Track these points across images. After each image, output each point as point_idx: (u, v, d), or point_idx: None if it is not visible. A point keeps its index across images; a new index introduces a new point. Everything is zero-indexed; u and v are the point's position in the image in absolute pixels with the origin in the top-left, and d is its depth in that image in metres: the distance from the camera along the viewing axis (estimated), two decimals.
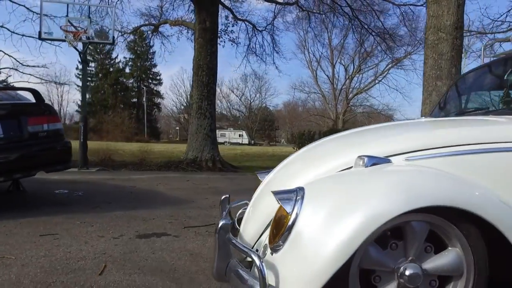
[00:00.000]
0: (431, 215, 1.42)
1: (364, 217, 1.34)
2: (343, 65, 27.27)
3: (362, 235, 1.32)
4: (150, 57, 33.07)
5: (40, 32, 7.70)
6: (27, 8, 10.59)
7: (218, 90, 30.31)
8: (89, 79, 32.72)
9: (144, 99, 30.65)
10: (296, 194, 1.52)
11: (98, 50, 31.36)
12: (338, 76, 28.72)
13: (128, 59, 32.03)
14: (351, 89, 27.77)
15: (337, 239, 1.33)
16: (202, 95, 10.35)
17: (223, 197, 2.10)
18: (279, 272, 1.43)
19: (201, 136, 10.35)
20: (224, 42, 14.00)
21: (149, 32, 15.66)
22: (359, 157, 1.64)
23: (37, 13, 7.66)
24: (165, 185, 6.54)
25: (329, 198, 1.46)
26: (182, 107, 35.31)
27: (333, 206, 1.42)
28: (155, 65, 33.39)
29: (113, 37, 8.29)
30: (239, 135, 36.20)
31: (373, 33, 13.56)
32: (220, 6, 13.14)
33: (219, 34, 11.71)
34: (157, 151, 15.59)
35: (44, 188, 5.68)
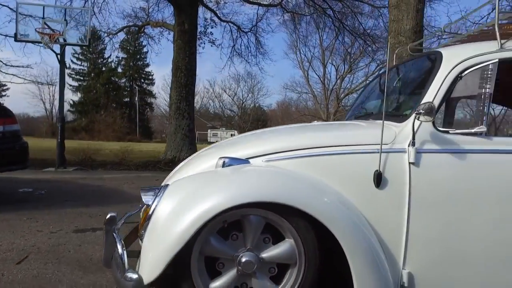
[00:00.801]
0: (265, 210, 1.65)
1: (199, 210, 1.59)
2: (334, 66, 27.47)
3: (195, 225, 1.57)
4: (142, 56, 33.43)
5: (16, 34, 7.93)
6: (10, 9, 10.76)
7: (210, 90, 30.51)
8: (81, 78, 33.01)
9: (136, 99, 30.89)
10: (159, 191, 1.77)
11: (90, 50, 31.65)
12: (330, 77, 28.96)
13: (120, 58, 32.38)
14: (342, 89, 28.03)
15: (178, 227, 1.58)
16: (181, 96, 10.58)
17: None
18: (141, 257, 1.67)
19: (179, 136, 10.58)
20: (204, 43, 14.22)
21: (134, 33, 15.90)
22: (220, 158, 1.88)
23: (24, 15, 7.83)
24: (131, 185, 6.77)
25: (180, 194, 1.71)
26: None
27: (181, 200, 1.67)
28: (147, 65, 33.70)
29: (89, 39, 8.52)
30: (231, 135, 36.64)
31: (355, 35, 13.79)
32: (203, 7, 13.39)
33: (199, 36, 11.94)
34: (140, 150, 15.77)
35: (11, 187, 5.91)
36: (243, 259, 1.66)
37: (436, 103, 1.82)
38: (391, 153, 1.78)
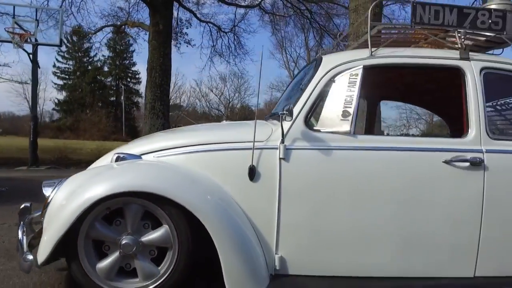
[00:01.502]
0: (142, 199, 1.86)
1: (83, 198, 1.80)
2: None
3: (78, 211, 1.79)
4: (129, 55, 33.45)
5: None
6: None
7: (197, 89, 30.53)
8: (67, 77, 32.91)
9: (122, 98, 30.94)
10: (58, 182, 1.98)
11: (76, 48, 31.56)
12: None
13: (106, 57, 32.31)
14: None
15: (64, 213, 1.81)
16: (156, 96, 10.73)
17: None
18: (40, 242, 1.88)
19: None
20: (180, 44, 14.38)
21: (120, 32, 16.00)
22: (115, 154, 2.09)
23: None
24: None
25: (72, 184, 1.93)
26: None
27: (71, 190, 1.88)
28: (134, 64, 33.73)
29: (60, 39, 8.65)
30: None
31: (332, 36, 14.06)
32: (181, 8, 13.56)
33: (174, 36, 12.11)
34: None
35: None
36: (123, 242, 1.87)
37: (309, 104, 2.06)
38: (265, 149, 2.00)
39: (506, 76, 2.22)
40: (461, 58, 2.16)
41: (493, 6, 2.50)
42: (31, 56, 8.63)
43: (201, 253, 1.93)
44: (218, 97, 32.08)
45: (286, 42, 27.78)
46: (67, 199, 1.86)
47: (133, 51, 32.98)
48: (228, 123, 2.74)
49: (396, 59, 2.16)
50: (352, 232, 2.00)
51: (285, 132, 1.99)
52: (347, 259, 2.01)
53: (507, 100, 2.46)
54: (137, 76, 34.40)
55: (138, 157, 2.10)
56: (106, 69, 33.67)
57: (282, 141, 1.98)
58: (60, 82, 33.02)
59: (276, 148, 1.99)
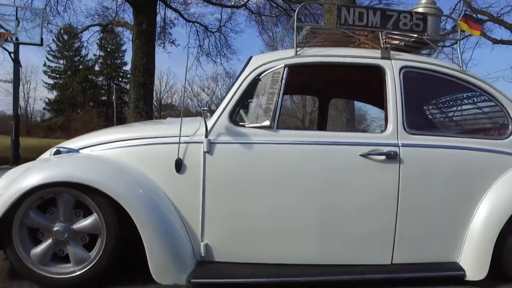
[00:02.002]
0: (72, 189, 1.99)
1: (15, 189, 1.93)
2: None
3: (10, 200, 1.92)
4: (120, 55, 33.48)
5: None
6: None
7: (189, 89, 30.57)
8: (57, 76, 32.87)
9: (114, 97, 30.91)
10: (1, 174, 2.11)
11: (67, 47, 31.53)
12: None
13: (98, 56, 32.31)
14: None
15: None
16: (139, 95, 10.82)
17: None
18: None
19: None
20: (164, 44, 14.47)
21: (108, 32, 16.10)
22: (54, 148, 2.22)
23: None
24: None
25: (10, 176, 2.05)
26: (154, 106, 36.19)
27: (8, 181, 2.01)
28: (125, 63, 33.74)
29: (41, 38, 8.74)
30: None
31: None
32: (167, 8, 13.66)
33: (158, 36, 12.21)
34: None
35: None
36: (54, 229, 2.00)
37: (234, 100, 2.20)
38: (191, 143, 2.14)
39: (425, 75, 2.37)
40: (382, 58, 2.32)
41: (420, 9, 2.67)
42: (12, 55, 8.72)
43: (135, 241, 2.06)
44: (210, 96, 32.18)
45: (277, 42, 27.94)
46: (3, 189, 1.99)
47: (124, 51, 33.02)
48: (164, 120, 2.87)
49: (319, 58, 2.31)
50: (273, 222, 2.14)
51: (210, 127, 2.13)
52: (268, 247, 2.15)
53: (426, 97, 2.61)
54: (128, 76, 34.38)
55: (76, 151, 2.23)
56: (97, 68, 33.68)
57: (206, 136, 2.12)
58: (51, 81, 33.02)
59: (201, 142, 2.13)
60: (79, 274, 2.00)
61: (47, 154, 2.37)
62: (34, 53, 52.05)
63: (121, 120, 35.56)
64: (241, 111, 2.31)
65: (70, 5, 12.89)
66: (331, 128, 4.89)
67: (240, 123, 2.19)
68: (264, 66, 2.24)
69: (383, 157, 2.15)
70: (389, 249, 2.20)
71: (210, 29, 15.38)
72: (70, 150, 2.23)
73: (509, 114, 2.43)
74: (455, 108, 2.70)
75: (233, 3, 14.36)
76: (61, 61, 33.11)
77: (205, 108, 2.07)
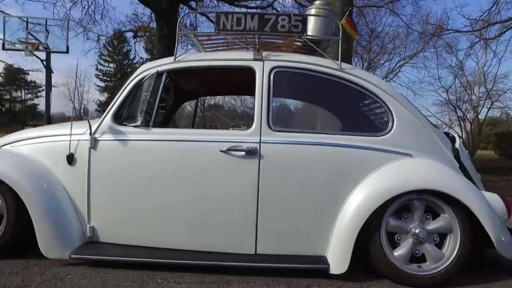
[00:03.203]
0: None
1: None
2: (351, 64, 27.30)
3: None
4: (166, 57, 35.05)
5: (3, 44, 9.39)
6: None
7: None
8: (108, 79, 35.55)
9: None
10: None
11: (116, 51, 34.04)
12: None
13: (144, 59, 34.29)
14: None
15: None
16: None
17: None
18: None
19: None
20: (186, 46, 15.16)
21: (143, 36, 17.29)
22: None
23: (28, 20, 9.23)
24: None
25: None
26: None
27: None
28: None
29: (67, 46, 9.78)
30: None
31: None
32: (193, 11, 14.33)
33: (181, 39, 12.84)
34: None
35: None
36: None
37: (118, 103, 2.55)
38: (81, 141, 2.52)
39: (299, 74, 2.52)
40: (254, 59, 2.51)
41: (313, 11, 2.81)
42: (44, 62, 9.87)
43: None
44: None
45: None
46: None
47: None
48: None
49: (194, 63, 2.59)
50: (148, 211, 2.45)
51: (96, 127, 2.50)
52: (145, 232, 2.47)
53: (300, 96, 2.73)
54: None
55: None
56: None
57: (90, 134, 2.48)
58: (102, 84, 35.82)
59: (88, 140, 2.50)
60: None
61: None
62: (87, 60, 56.62)
63: None
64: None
65: (106, 13, 14.12)
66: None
67: (124, 123, 2.53)
68: (144, 73, 2.56)
69: (243, 153, 2.36)
70: (252, 240, 2.40)
71: None
72: None
73: (390, 111, 2.50)
74: (332, 106, 2.78)
75: (257, 5, 14.64)
76: (112, 65, 35.76)
77: (87, 108, 2.45)
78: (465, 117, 14.96)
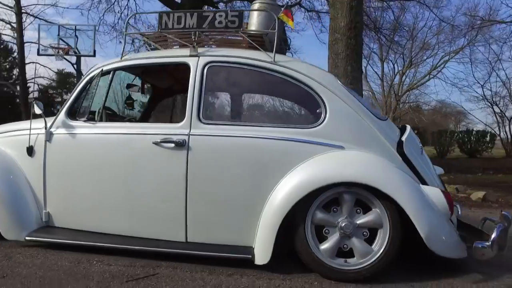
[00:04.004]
0: None
1: None
2: (391, 61, 26.38)
3: None
4: None
5: (38, 49, 10.33)
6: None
7: None
8: None
9: None
10: None
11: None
12: (392, 73, 27.66)
13: None
14: (402, 85, 26.74)
15: None
16: None
17: None
18: None
19: None
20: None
21: None
22: None
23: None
24: None
25: None
26: None
27: None
28: None
29: (94, 50, 10.53)
30: None
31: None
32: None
33: None
34: None
35: None
36: None
37: (71, 100, 2.80)
38: (40, 134, 2.80)
39: (233, 68, 2.63)
40: (190, 55, 2.65)
41: (256, 6, 2.90)
42: (75, 66, 10.71)
43: None
44: None
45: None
46: None
47: None
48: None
49: (136, 61, 2.79)
50: (92, 199, 2.68)
51: (51, 122, 2.77)
52: (88, 218, 2.70)
53: (233, 89, 2.79)
54: None
55: None
56: None
57: (45, 128, 2.76)
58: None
59: (43, 133, 2.78)
60: None
61: None
62: None
63: None
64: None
65: (139, 17, 14.93)
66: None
67: (76, 118, 2.78)
68: (93, 72, 2.80)
69: (173, 145, 2.50)
70: (182, 229, 2.53)
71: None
72: None
73: (323, 103, 2.52)
74: (265, 98, 2.82)
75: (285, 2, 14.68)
76: None
77: (40, 104, 2.73)
78: (503, 114, 13.93)
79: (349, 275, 2.32)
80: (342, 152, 2.45)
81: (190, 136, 2.51)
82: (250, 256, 2.38)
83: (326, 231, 2.40)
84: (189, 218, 2.52)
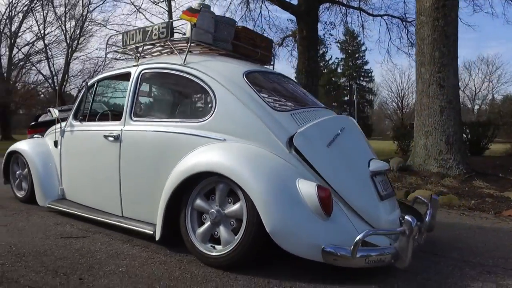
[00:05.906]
0: None
1: None
2: None
3: None
4: (361, 55, 35.29)
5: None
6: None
7: None
8: None
9: (354, 97, 33.17)
10: None
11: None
12: None
13: (340, 59, 35.58)
14: None
15: None
16: None
17: None
18: None
19: None
20: (330, 44, 15.16)
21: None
22: None
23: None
24: None
25: None
26: (394, 104, 36.06)
27: None
28: (366, 63, 35.31)
29: None
30: None
31: None
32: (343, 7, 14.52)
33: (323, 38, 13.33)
34: None
35: None
36: None
37: (76, 105, 3.88)
38: (63, 131, 3.98)
39: (157, 73, 3.18)
40: (133, 66, 3.31)
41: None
42: None
43: None
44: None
45: None
46: None
47: (364, 50, 34.77)
48: None
49: (105, 74, 3.60)
50: (84, 180, 3.66)
51: (65, 121, 3.92)
52: (77, 193, 3.71)
53: (156, 91, 3.17)
54: (370, 75, 35.88)
55: None
56: (339, 70, 37.19)
57: (60, 127, 3.91)
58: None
59: (58, 129, 3.95)
60: None
61: None
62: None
63: (363, 119, 37.51)
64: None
65: (272, 22, 16.29)
66: None
67: (77, 119, 3.84)
68: (86, 85, 3.78)
69: (113, 138, 3.21)
70: (118, 205, 3.21)
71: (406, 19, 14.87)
72: None
73: (215, 98, 2.78)
74: (177, 97, 3.12)
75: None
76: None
77: (54, 111, 3.89)
78: None
79: (210, 261, 2.53)
80: (219, 144, 2.65)
81: (123, 131, 3.18)
82: (151, 232, 2.87)
83: (204, 217, 2.65)
84: (122, 196, 3.19)
